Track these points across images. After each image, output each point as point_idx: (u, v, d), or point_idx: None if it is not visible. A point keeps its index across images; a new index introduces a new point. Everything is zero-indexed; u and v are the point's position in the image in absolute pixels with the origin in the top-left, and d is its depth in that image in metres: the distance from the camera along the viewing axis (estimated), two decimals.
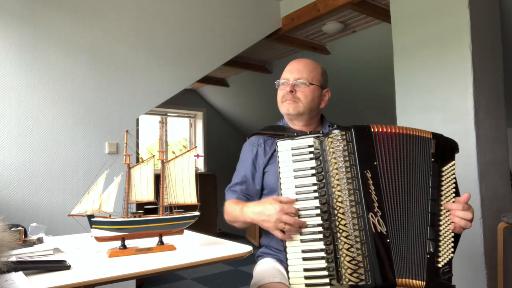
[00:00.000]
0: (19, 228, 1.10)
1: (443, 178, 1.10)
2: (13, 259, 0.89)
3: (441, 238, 1.06)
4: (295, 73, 1.36)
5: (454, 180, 1.11)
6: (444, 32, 2.25)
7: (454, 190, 1.10)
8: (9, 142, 2.05)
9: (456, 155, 2.27)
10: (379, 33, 3.37)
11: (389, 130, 1.09)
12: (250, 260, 1.38)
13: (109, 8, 2.43)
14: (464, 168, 2.12)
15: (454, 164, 1.12)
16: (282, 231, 1.08)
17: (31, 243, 1.09)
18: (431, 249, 1.04)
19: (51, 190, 2.17)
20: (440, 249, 1.05)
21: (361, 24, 3.35)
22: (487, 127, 2.18)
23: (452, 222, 1.08)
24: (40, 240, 1.14)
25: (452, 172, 1.11)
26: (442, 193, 1.09)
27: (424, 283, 1.02)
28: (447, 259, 1.05)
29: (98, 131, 2.35)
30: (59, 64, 2.23)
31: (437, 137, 1.13)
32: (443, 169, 1.10)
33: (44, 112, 2.17)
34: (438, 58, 2.27)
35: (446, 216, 1.09)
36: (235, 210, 1.24)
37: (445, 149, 1.12)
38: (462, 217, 1.07)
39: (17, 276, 0.79)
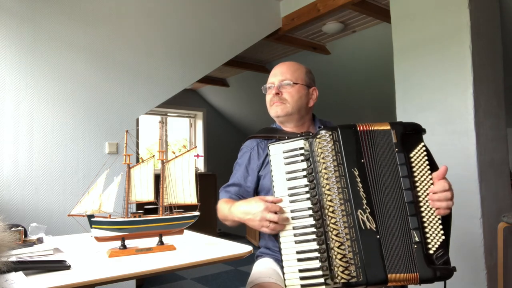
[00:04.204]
0: (19, 228, 1.10)
1: (413, 164, 1.08)
2: (13, 259, 0.89)
3: (426, 225, 1.04)
4: (279, 76, 1.39)
5: (426, 162, 1.09)
6: (444, 32, 2.25)
7: (429, 172, 1.08)
8: (9, 142, 2.05)
9: (456, 155, 2.27)
10: (379, 33, 3.37)
11: (370, 128, 1.10)
12: (250, 260, 1.39)
13: (109, 8, 2.43)
14: (464, 168, 2.12)
15: (423, 146, 1.10)
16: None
17: (31, 243, 1.09)
18: (416, 239, 1.02)
19: (51, 190, 2.17)
20: (428, 235, 1.03)
21: (361, 24, 3.35)
22: (487, 127, 2.18)
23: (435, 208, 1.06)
24: (40, 240, 1.13)
25: (422, 155, 1.09)
26: (416, 179, 1.08)
27: (417, 274, 1.00)
28: (438, 243, 1.03)
29: (98, 131, 2.35)
30: (59, 64, 2.23)
31: (395, 125, 1.11)
32: (411, 155, 1.09)
33: (44, 112, 2.17)
34: (438, 58, 2.28)
35: (426, 201, 1.07)
36: (225, 209, 1.28)
37: (407, 135, 1.10)
38: (440, 203, 1.04)
39: (17, 276, 0.79)
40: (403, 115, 2.46)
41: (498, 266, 2.07)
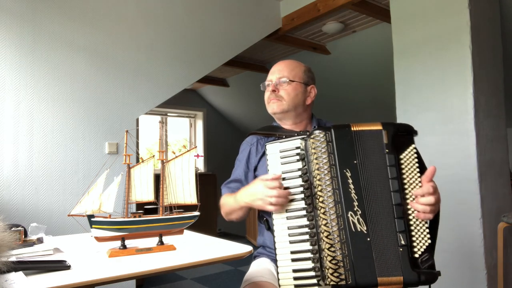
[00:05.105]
0: (19, 228, 1.10)
1: (403, 166, 1.07)
2: (13, 259, 0.89)
3: (413, 228, 1.03)
4: (277, 73, 1.40)
5: (416, 165, 1.07)
6: (444, 32, 2.25)
7: (418, 174, 1.06)
8: (9, 142, 2.05)
9: (456, 155, 2.27)
10: (379, 33, 3.37)
11: (361, 129, 1.09)
12: (250, 260, 1.40)
13: (109, 8, 2.43)
14: (464, 168, 2.12)
15: (413, 148, 1.08)
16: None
17: (31, 243, 1.09)
18: (402, 242, 1.01)
19: (51, 190, 2.17)
20: (414, 238, 1.02)
21: (361, 24, 3.35)
22: (487, 127, 2.18)
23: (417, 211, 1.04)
24: (40, 240, 1.14)
25: (412, 157, 1.08)
26: (405, 181, 1.06)
27: (402, 278, 0.99)
28: (424, 246, 1.02)
29: (98, 131, 2.35)
30: (59, 64, 2.23)
31: (387, 126, 1.09)
32: (402, 156, 1.07)
33: (44, 112, 2.17)
34: (438, 58, 2.27)
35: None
36: (230, 201, 1.30)
37: (399, 136, 1.08)
38: (422, 208, 1.02)
39: (17, 276, 0.79)
40: (403, 115, 2.46)
41: (498, 266, 2.07)
